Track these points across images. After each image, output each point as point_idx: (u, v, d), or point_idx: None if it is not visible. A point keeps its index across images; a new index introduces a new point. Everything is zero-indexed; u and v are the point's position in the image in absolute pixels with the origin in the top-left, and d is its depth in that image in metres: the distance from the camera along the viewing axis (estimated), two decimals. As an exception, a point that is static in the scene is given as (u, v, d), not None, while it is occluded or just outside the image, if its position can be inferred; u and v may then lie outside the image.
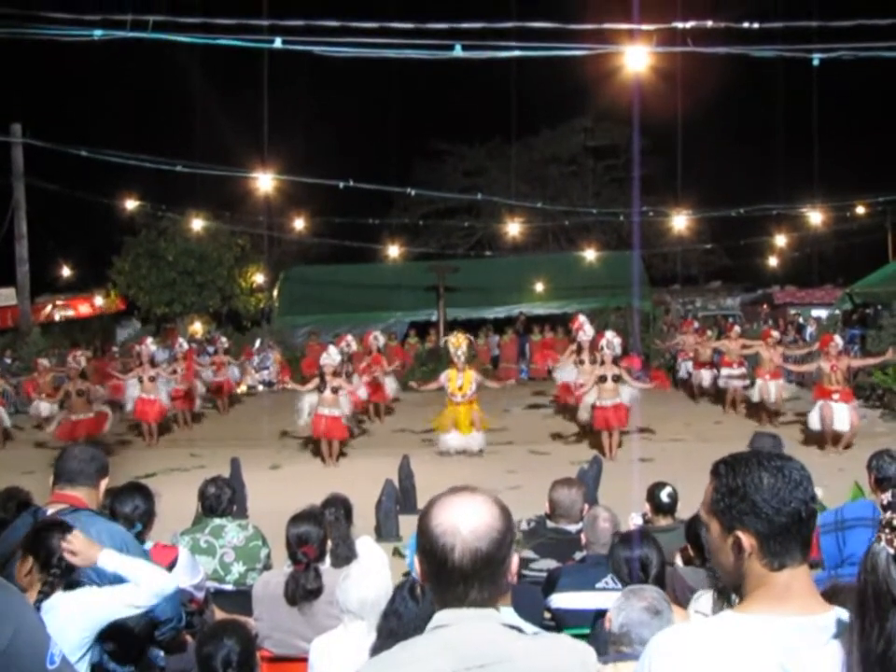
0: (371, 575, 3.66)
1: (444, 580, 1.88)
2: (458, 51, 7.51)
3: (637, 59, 8.78)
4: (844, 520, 4.96)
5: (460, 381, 14.16)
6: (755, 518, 1.80)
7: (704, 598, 3.69)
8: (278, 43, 8.05)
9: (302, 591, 4.27)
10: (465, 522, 1.88)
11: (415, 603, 3.12)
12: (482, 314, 27.47)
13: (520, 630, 1.90)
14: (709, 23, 7.49)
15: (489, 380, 16.14)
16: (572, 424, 15.73)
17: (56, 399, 15.80)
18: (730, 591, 2.32)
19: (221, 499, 5.48)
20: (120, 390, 16.45)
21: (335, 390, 13.77)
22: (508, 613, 1.96)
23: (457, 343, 14.59)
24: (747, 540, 1.82)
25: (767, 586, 1.80)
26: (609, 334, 14.59)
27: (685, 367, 19.05)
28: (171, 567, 4.15)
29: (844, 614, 1.77)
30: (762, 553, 1.80)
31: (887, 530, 1.64)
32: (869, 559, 1.65)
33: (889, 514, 1.66)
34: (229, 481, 5.79)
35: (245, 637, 3.31)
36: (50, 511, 3.49)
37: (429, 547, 1.87)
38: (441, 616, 1.90)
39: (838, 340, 14.24)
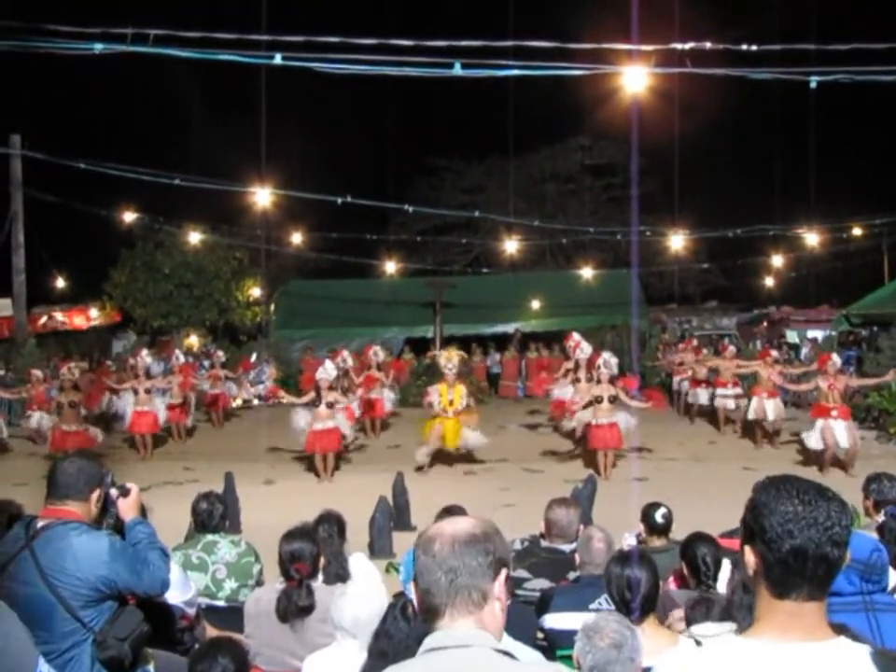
0: (366, 593, 3.64)
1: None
2: (458, 70, 7.55)
3: (635, 79, 8.83)
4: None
5: (451, 395, 14.07)
6: (760, 541, 1.79)
7: (705, 626, 3.66)
8: (278, 59, 8.08)
9: (294, 608, 4.25)
10: (451, 532, 1.96)
11: (407, 623, 3.10)
12: (478, 330, 27.49)
13: (511, 657, 1.89)
14: (708, 45, 7.53)
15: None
16: (567, 442, 15.72)
17: (49, 409, 15.80)
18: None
19: (213, 515, 5.45)
20: (96, 401, 16.43)
21: (330, 405, 13.75)
22: (501, 639, 1.95)
23: (449, 356, 14.56)
24: (750, 558, 1.81)
25: (773, 613, 1.79)
26: (606, 354, 14.60)
27: (683, 385, 19.03)
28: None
29: (848, 643, 1.76)
30: (763, 577, 1.79)
31: None
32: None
33: None
34: (221, 496, 5.76)
35: (239, 656, 3.29)
36: (40, 524, 3.51)
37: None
38: (433, 640, 1.89)
39: (836, 358, 14.21)
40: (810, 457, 13.57)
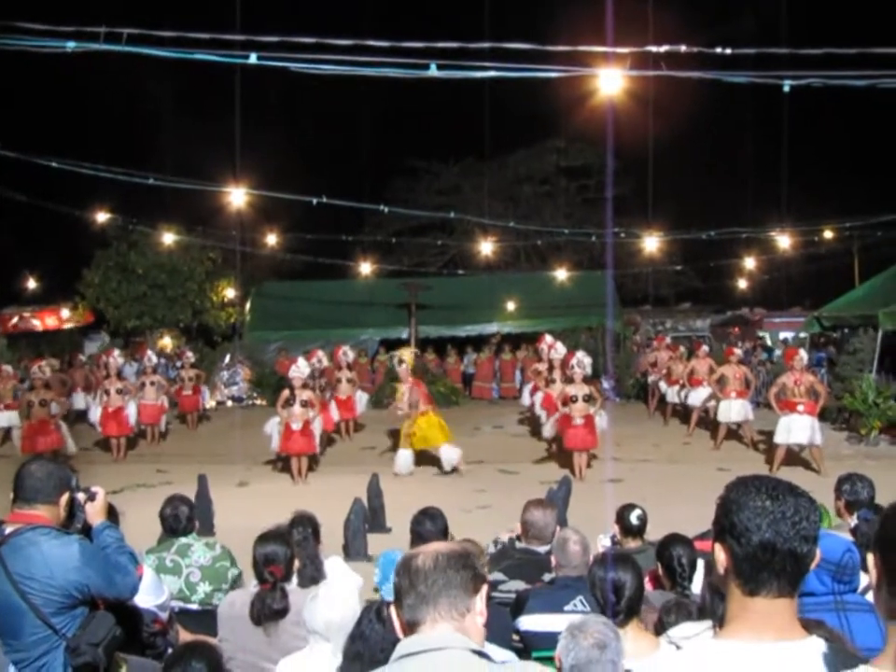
0: (338, 596, 3.62)
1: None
2: (433, 71, 7.55)
3: (610, 81, 8.88)
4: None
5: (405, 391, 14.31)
6: (730, 536, 1.81)
7: (683, 627, 3.66)
8: (253, 58, 8.04)
9: (268, 611, 4.22)
10: (434, 549, 2.02)
11: (382, 625, 3.09)
12: (453, 331, 27.48)
13: (489, 658, 1.89)
14: (683, 48, 7.59)
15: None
16: (542, 443, 15.75)
17: (17, 408, 15.63)
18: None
19: (179, 518, 5.39)
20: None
21: (305, 404, 13.71)
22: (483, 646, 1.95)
23: (401, 355, 14.75)
24: (721, 555, 1.82)
25: (746, 612, 1.80)
26: (580, 353, 14.65)
27: (661, 384, 19.08)
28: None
29: (821, 642, 1.76)
30: (734, 574, 1.81)
31: None
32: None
33: None
34: (184, 497, 5.65)
35: (214, 660, 3.25)
36: (8, 530, 3.45)
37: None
38: (407, 644, 1.88)
39: (803, 354, 14.36)
40: (784, 457, 13.61)
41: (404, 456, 14.06)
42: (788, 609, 1.80)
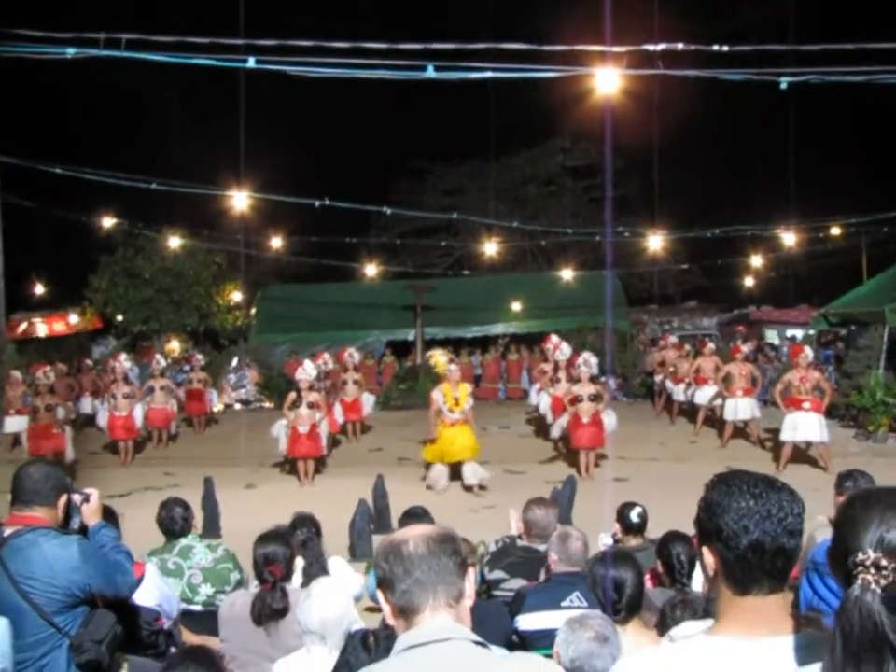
0: (330, 593, 3.64)
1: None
2: (431, 72, 7.57)
3: (608, 81, 8.87)
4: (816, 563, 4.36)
5: (456, 393, 13.11)
6: (717, 540, 1.80)
7: (685, 626, 3.65)
8: (252, 62, 8.08)
9: (269, 610, 4.24)
10: (422, 533, 2.04)
11: (367, 654, 3.11)
12: (459, 333, 27.51)
13: (489, 648, 1.91)
14: (680, 46, 7.58)
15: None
16: (548, 443, 15.74)
17: (27, 414, 15.76)
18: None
19: (175, 520, 5.41)
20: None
21: (311, 406, 13.73)
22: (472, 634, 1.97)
23: (438, 359, 14.07)
24: (710, 559, 1.82)
25: (737, 609, 1.79)
26: (586, 353, 14.64)
27: (667, 383, 19.05)
28: (138, 582, 4.12)
29: (815, 636, 1.76)
30: (724, 576, 1.80)
31: (872, 570, 1.53)
32: (853, 603, 1.51)
33: (872, 554, 1.55)
34: (178, 499, 5.66)
35: (214, 664, 3.27)
36: (7, 532, 3.48)
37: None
38: (410, 636, 1.89)
39: (808, 351, 14.32)
40: (790, 455, 13.57)
41: (440, 471, 13.09)
42: (779, 604, 1.80)
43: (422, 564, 1.93)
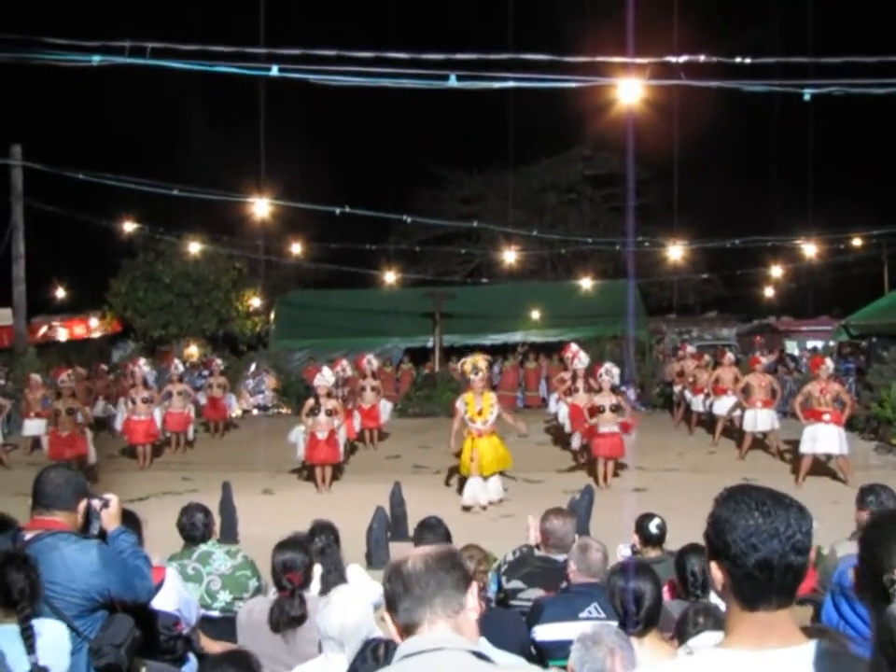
0: (350, 600, 3.64)
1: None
2: (453, 81, 7.59)
3: (630, 91, 8.87)
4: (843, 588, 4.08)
5: (479, 404, 12.61)
6: (725, 557, 1.80)
7: (703, 637, 3.64)
8: (275, 71, 8.13)
9: (287, 618, 4.25)
10: (421, 552, 2.08)
11: (376, 663, 3.13)
12: (478, 340, 27.48)
13: (487, 659, 1.92)
14: (702, 58, 7.58)
15: (507, 413, 13.75)
16: (566, 452, 15.70)
17: (47, 417, 15.86)
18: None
19: (196, 525, 5.44)
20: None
21: (329, 412, 13.75)
22: (477, 644, 1.98)
23: (475, 362, 13.29)
24: (717, 574, 1.82)
25: (746, 623, 1.79)
26: (608, 364, 14.63)
27: (686, 394, 18.96)
28: (157, 587, 4.14)
29: (829, 646, 1.76)
30: (732, 592, 1.80)
31: None
32: (894, 621, 1.53)
33: None
34: (200, 505, 5.70)
35: (251, 669, 3.27)
36: (28, 536, 3.51)
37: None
38: (407, 645, 1.92)
39: (829, 363, 14.20)
40: (810, 467, 13.44)
41: (478, 485, 12.45)
42: (787, 618, 1.80)
43: (419, 580, 1.98)
